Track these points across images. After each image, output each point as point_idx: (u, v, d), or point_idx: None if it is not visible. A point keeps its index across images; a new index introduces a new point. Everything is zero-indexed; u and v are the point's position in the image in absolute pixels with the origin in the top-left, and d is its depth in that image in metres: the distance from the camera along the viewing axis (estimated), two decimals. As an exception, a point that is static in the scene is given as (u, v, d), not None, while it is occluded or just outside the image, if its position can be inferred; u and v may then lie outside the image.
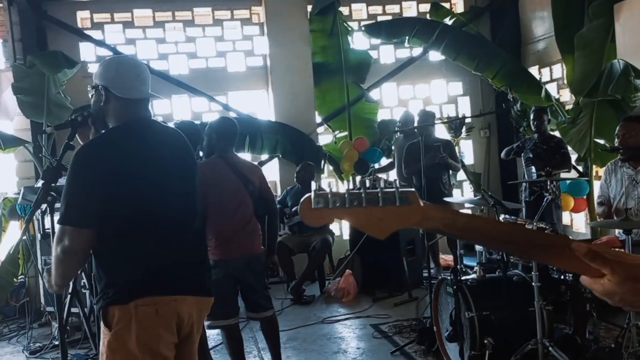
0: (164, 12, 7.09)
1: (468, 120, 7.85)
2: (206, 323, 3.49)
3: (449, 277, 3.55)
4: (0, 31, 6.51)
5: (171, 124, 4.00)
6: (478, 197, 4.14)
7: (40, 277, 5.41)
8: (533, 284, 3.17)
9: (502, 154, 6.25)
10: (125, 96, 2.11)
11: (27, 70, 5.80)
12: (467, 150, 8.15)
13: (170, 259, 2.06)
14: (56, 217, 2.09)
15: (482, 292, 3.48)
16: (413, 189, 0.95)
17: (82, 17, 6.97)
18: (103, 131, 2.18)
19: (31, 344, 4.92)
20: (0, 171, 6.62)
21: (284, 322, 5.08)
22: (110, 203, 1.95)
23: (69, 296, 4.96)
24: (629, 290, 0.84)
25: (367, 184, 0.95)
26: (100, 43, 6.89)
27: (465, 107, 8.04)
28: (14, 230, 6.13)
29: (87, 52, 6.97)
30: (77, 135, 2.32)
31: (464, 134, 7.82)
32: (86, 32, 6.90)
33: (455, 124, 7.71)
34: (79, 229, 1.93)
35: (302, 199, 0.95)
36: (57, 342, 4.86)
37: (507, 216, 3.67)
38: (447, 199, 4.62)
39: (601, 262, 0.85)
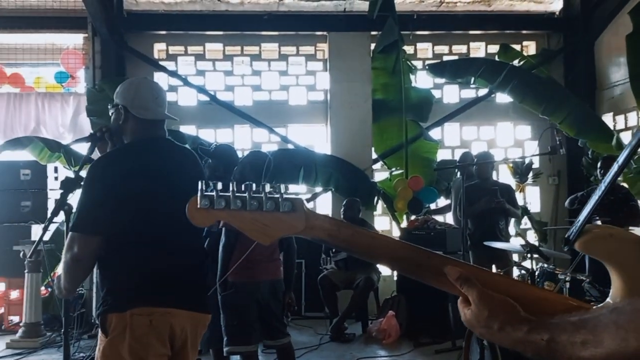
0: (234, 46, 7.42)
1: (535, 165, 7.53)
2: (226, 349, 3.49)
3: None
4: (83, 59, 7.07)
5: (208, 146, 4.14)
6: (520, 245, 3.91)
7: (94, 290, 5.66)
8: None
9: (567, 203, 5.91)
10: (142, 116, 2.22)
11: (98, 94, 6.24)
12: (533, 197, 7.78)
13: (168, 272, 2.10)
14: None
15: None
16: (300, 197, 0.91)
17: (159, 49, 7.43)
18: (116, 147, 2.29)
19: (76, 353, 5.11)
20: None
21: (318, 358, 5.00)
22: (116, 214, 2.03)
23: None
24: (482, 326, 0.76)
25: (254, 188, 0.92)
26: (172, 73, 7.29)
27: (532, 152, 7.71)
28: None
29: (161, 82, 7.37)
30: (96, 149, 2.44)
31: (530, 179, 7.50)
32: (161, 62, 7.33)
33: (521, 169, 7.42)
34: (87, 237, 2.02)
35: (191, 198, 0.94)
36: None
37: (545, 265, 3.44)
38: (487, 243, 4.39)
39: (467, 288, 0.77)
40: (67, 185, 2.40)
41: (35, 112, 6.88)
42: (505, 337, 0.74)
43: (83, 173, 2.53)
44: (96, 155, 2.44)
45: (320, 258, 6.16)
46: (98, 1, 6.38)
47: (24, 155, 6.46)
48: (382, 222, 7.46)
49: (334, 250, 6.09)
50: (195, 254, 2.29)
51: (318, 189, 7.00)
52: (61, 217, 6.67)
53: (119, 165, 2.12)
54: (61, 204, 2.43)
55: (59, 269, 6.52)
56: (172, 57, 7.43)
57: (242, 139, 7.34)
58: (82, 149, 6.60)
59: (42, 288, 6.07)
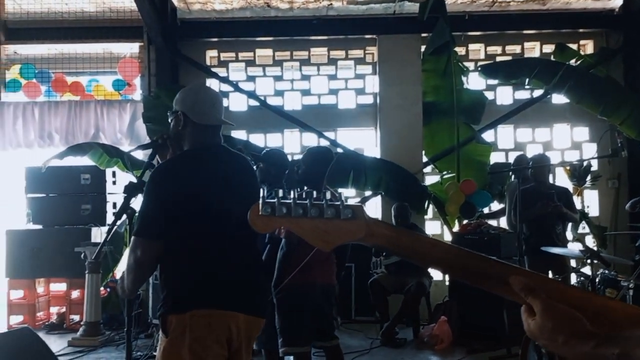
0: (283, 51, 7.50)
1: (594, 168, 7.27)
2: (282, 349, 3.55)
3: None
4: (139, 67, 7.31)
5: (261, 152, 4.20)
6: (579, 250, 3.78)
7: (150, 291, 5.83)
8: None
9: (627, 206, 5.69)
10: (200, 122, 2.28)
11: (155, 101, 6.43)
12: (591, 201, 7.51)
13: (227, 276, 2.16)
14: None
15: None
16: (360, 204, 0.92)
17: (211, 56, 7.59)
18: (179, 152, 2.37)
19: (133, 352, 5.26)
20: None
21: (369, 362, 4.98)
22: (176, 219, 2.11)
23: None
24: (547, 338, 0.73)
25: (314, 195, 0.93)
26: (224, 79, 7.43)
27: (591, 155, 7.45)
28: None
29: (213, 88, 7.55)
30: (157, 155, 2.53)
31: (588, 183, 7.24)
32: (213, 69, 7.49)
33: (578, 172, 7.17)
34: (149, 242, 2.10)
35: (253, 206, 0.95)
36: (154, 353, 5.22)
37: (606, 271, 3.31)
38: (544, 248, 4.27)
39: (532, 298, 0.75)
40: (130, 190, 2.49)
41: (94, 119, 7.16)
42: (570, 350, 0.71)
43: (142, 178, 2.62)
44: (156, 161, 2.52)
45: (370, 262, 6.13)
46: (153, 11, 6.59)
47: (84, 160, 6.73)
48: (433, 227, 7.36)
49: (384, 254, 6.05)
50: (252, 258, 2.34)
51: (367, 193, 6.97)
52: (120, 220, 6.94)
53: (178, 173, 2.19)
54: (124, 207, 2.51)
55: (120, 271, 6.76)
56: (223, 64, 7.57)
57: (292, 144, 7.40)
58: (139, 154, 6.85)
59: (102, 288, 6.29)
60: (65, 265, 6.44)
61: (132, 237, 2.15)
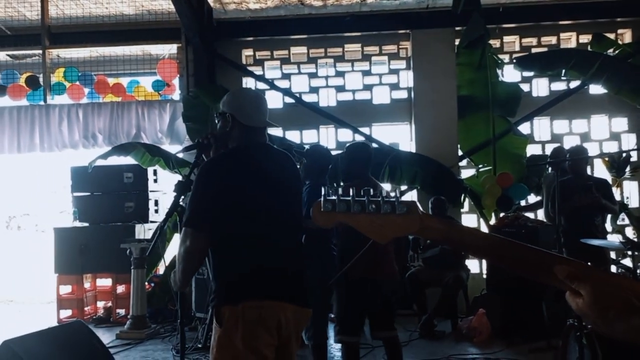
0: (317, 49, 7.59)
1: (633, 159, 7.15)
2: (337, 337, 3.68)
3: (576, 323, 3.30)
4: (178, 67, 7.51)
5: (304, 148, 4.32)
6: (619, 242, 3.77)
7: (193, 286, 6.01)
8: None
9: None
10: (247, 124, 2.39)
11: (194, 101, 6.60)
12: (632, 192, 7.39)
13: (275, 268, 2.26)
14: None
15: (612, 344, 3.16)
16: (414, 200, 1.00)
17: (246, 55, 7.73)
18: (222, 151, 2.48)
19: (179, 345, 5.45)
20: (170, 190, 7.51)
21: (409, 354, 5.03)
22: (225, 212, 2.22)
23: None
24: (598, 314, 0.80)
25: (371, 192, 1.02)
26: (260, 78, 7.57)
27: (630, 146, 7.32)
28: (177, 242, 6.91)
29: (249, 86, 7.69)
30: (202, 154, 2.65)
31: (627, 173, 7.12)
32: (249, 68, 7.63)
33: (617, 163, 7.07)
34: (198, 232, 2.21)
35: (315, 202, 1.05)
36: (200, 345, 5.40)
37: (647, 263, 3.31)
38: (583, 240, 4.25)
39: (578, 283, 0.83)
40: (180, 188, 2.60)
41: (135, 120, 7.39)
42: (621, 324, 0.78)
43: (190, 177, 2.75)
44: (202, 160, 2.64)
45: (408, 255, 6.19)
46: (191, 13, 6.76)
47: (126, 159, 6.96)
48: (470, 220, 7.36)
49: (422, 247, 6.10)
50: (297, 250, 2.44)
51: (403, 187, 7.02)
52: (161, 217, 7.12)
53: (226, 167, 2.30)
54: (175, 205, 2.63)
55: (163, 266, 6.91)
56: (259, 62, 7.71)
57: (327, 140, 7.49)
58: (180, 153, 7.03)
59: (146, 283, 6.50)
60: (111, 261, 6.67)
61: (183, 228, 2.26)
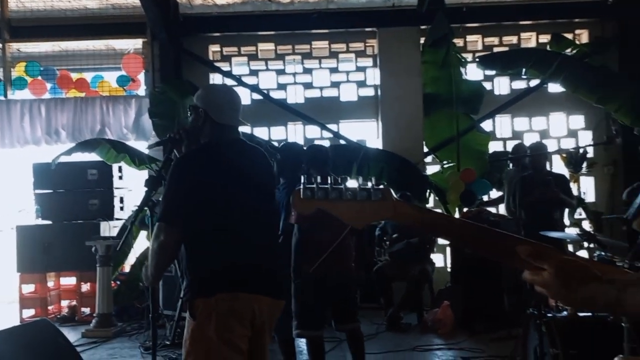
0: (285, 45, 7.63)
1: (590, 155, 7.43)
2: (295, 332, 3.71)
3: (536, 312, 3.43)
4: (143, 63, 7.43)
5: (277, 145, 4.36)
6: (577, 234, 3.95)
7: (160, 283, 5.96)
8: (623, 324, 2.98)
9: (624, 195, 5.84)
10: (220, 121, 2.41)
11: (161, 96, 6.56)
12: (588, 187, 7.68)
13: (249, 261, 2.29)
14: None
15: (570, 330, 3.31)
16: (388, 188, 1.07)
17: (214, 50, 7.71)
18: (194, 146, 2.49)
19: (147, 342, 5.41)
20: (136, 186, 7.42)
21: (376, 346, 5.13)
22: (198, 207, 2.24)
23: (180, 300, 5.47)
24: (562, 284, 0.88)
25: (349, 180, 1.08)
26: (227, 74, 7.56)
27: (587, 142, 7.60)
28: (143, 239, 6.85)
29: (216, 82, 7.66)
30: (174, 149, 2.66)
31: (584, 169, 7.40)
32: (216, 64, 7.62)
33: (574, 159, 7.33)
34: (172, 227, 2.23)
35: (295, 190, 1.10)
36: (168, 342, 5.38)
37: (602, 253, 3.48)
38: (543, 233, 4.42)
39: (541, 259, 0.91)
40: (151, 184, 2.61)
41: (100, 115, 7.28)
42: (583, 290, 0.86)
43: (161, 172, 2.76)
44: (174, 155, 2.65)
45: (374, 250, 6.30)
46: (156, 7, 6.70)
47: (90, 156, 6.85)
48: (434, 215, 7.51)
49: (388, 242, 6.22)
50: (271, 242, 2.48)
51: (370, 184, 7.11)
52: (127, 214, 7.05)
53: (200, 163, 2.32)
54: (146, 200, 2.64)
55: (128, 264, 6.83)
56: (226, 58, 7.70)
57: (295, 136, 7.54)
58: (144, 149, 6.96)
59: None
60: (75, 259, 6.56)
61: (156, 223, 2.27)
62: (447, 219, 1.03)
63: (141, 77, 7.56)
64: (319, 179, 1.08)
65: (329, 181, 1.08)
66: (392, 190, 1.06)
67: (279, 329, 3.86)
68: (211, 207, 2.25)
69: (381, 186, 1.09)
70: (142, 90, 7.56)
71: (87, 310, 6.76)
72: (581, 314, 3.48)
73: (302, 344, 4.97)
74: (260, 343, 2.38)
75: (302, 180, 1.09)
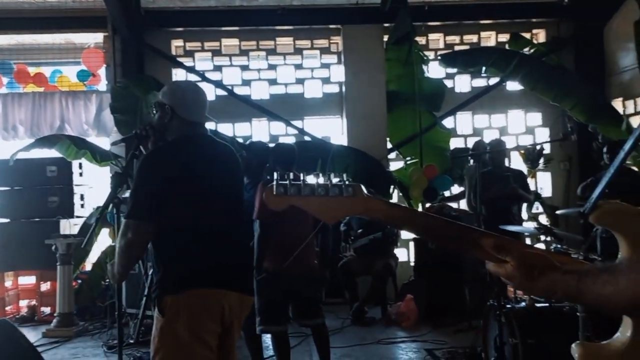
0: (249, 41, 7.60)
1: (546, 151, 7.67)
2: (259, 328, 3.74)
3: (495, 303, 3.55)
4: (104, 57, 7.29)
5: (242, 141, 4.36)
6: (534, 227, 4.09)
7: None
8: (578, 314, 3.12)
9: (578, 191, 6.04)
10: (187, 118, 2.41)
11: (123, 92, 6.45)
12: (545, 182, 7.93)
13: (219, 257, 2.30)
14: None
15: (528, 320, 3.44)
16: (359, 184, 1.11)
17: (176, 45, 7.62)
18: (160, 142, 2.48)
19: (110, 341, 5.35)
20: (97, 183, 7.29)
21: (341, 340, 5.21)
22: (167, 203, 2.23)
23: (144, 298, 5.42)
24: (524, 275, 0.94)
25: (320, 177, 1.12)
26: (190, 69, 7.49)
27: (544, 139, 7.85)
28: (105, 237, 6.74)
29: (179, 77, 7.59)
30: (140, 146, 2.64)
31: (541, 165, 7.64)
32: (179, 59, 7.53)
33: (532, 155, 7.56)
34: (140, 224, 2.21)
35: (267, 187, 1.12)
36: (132, 341, 5.33)
37: (559, 246, 3.61)
38: (501, 227, 4.56)
39: (504, 252, 0.96)
40: (117, 180, 2.59)
41: (59, 111, 7.12)
42: (544, 280, 0.92)
43: (127, 168, 2.74)
44: (139, 152, 2.63)
45: (339, 246, 6.36)
46: (117, 0, 6.57)
47: (49, 152, 6.69)
48: (398, 210, 7.62)
49: (352, 237, 6.29)
50: (240, 238, 2.50)
51: (335, 180, 7.17)
52: (88, 212, 6.91)
53: (168, 159, 2.31)
54: (112, 197, 2.62)
55: (90, 262, 6.71)
56: (189, 53, 7.62)
57: (260, 133, 7.53)
58: (107, 145, 6.83)
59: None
60: (34, 258, 6.41)
61: (124, 221, 2.26)
62: (415, 214, 1.08)
63: (102, 72, 7.42)
64: (291, 175, 1.11)
65: (302, 177, 1.11)
66: (362, 186, 1.10)
67: (245, 325, 3.89)
68: (180, 204, 2.24)
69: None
70: (102, 86, 7.41)
71: (47, 309, 6.63)
72: (538, 305, 3.63)
73: (268, 339, 5.01)
74: (230, 339, 2.40)
75: (275, 177, 1.12)
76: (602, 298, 0.83)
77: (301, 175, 1.11)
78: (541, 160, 7.56)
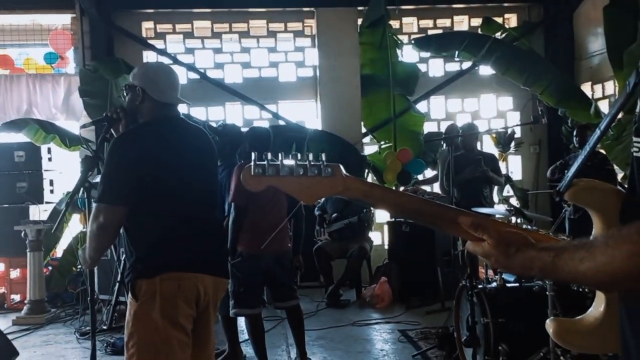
0: (222, 23, 7.49)
1: (517, 135, 7.79)
2: (233, 311, 3.76)
3: (467, 284, 3.61)
4: (72, 39, 7.10)
5: (215, 125, 4.33)
6: (506, 209, 4.17)
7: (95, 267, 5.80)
8: (547, 293, 3.20)
9: (548, 173, 6.17)
10: (159, 99, 2.37)
11: (92, 75, 6.31)
12: (515, 165, 8.07)
13: (193, 240, 2.28)
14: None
15: (499, 300, 3.51)
16: (338, 164, 1.11)
17: (147, 27, 7.47)
18: (132, 125, 2.44)
19: (82, 327, 5.30)
20: (67, 168, 7.14)
21: (317, 323, 5.26)
22: (139, 186, 2.20)
23: (117, 284, 5.38)
24: (501, 253, 0.96)
25: (299, 157, 1.11)
26: (161, 52, 7.35)
27: (515, 123, 7.96)
28: (75, 223, 6.63)
29: (150, 60, 7.44)
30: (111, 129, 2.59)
31: (512, 149, 7.76)
32: (150, 41, 7.38)
33: (503, 139, 7.67)
34: (112, 207, 2.18)
35: (245, 167, 1.12)
36: (105, 327, 5.29)
37: (529, 227, 3.69)
38: (473, 209, 4.64)
39: (481, 230, 0.98)
40: (87, 164, 2.54)
41: (26, 94, 6.92)
42: (520, 256, 0.94)
43: (98, 152, 2.69)
44: (110, 135, 2.59)
45: (314, 230, 6.38)
46: (85, -20, 6.41)
47: (17, 137, 6.52)
48: (372, 194, 7.67)
49: (327, 222, 6.32)
50: (215, 221, 2.48)
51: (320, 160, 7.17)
52: (58, 197, 6.79)
53: (140, 141, 2.27)
54: (82, 181, 2.57)
55: (61, 249, 6.61)
56: (160, 36, 7.48)
57: (234, 117, 7.46)
58: (76, 129, 6.69)
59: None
60: (3, 245, 6.31)
61: (95, 205, 2.22)
62: (394, 193, 1.09)
63: (70, 54, 7.23)
64: (269, 155, 1.11)
65: (280, 157, 1.10)
66: (341, 166, 1.10)
67: (220, 308, 3.90)
68: (152, 187, 2.22)
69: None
70: (71, 68, 7.23)
71: (17, 297, 6.52)
72: (509, 285, 3.71)
73: (243, 322, 5.03)
74: (205, 323, 2.39)
75: (253, 157, 1.11)
76: (578, 274, 0.85)
77: (278, 156, 1.10)
78: (512, 144, 7.68)
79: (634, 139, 1.04)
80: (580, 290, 3.40)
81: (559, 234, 3.78)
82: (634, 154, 1.03)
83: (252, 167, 1.10)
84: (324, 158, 1.10)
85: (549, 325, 1.18)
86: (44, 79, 6.99)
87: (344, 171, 1.11)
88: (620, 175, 5.76)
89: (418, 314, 5.46)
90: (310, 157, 1.11)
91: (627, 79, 4.43)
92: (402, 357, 4.23)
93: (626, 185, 1.05)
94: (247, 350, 4.23)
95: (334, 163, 1.11)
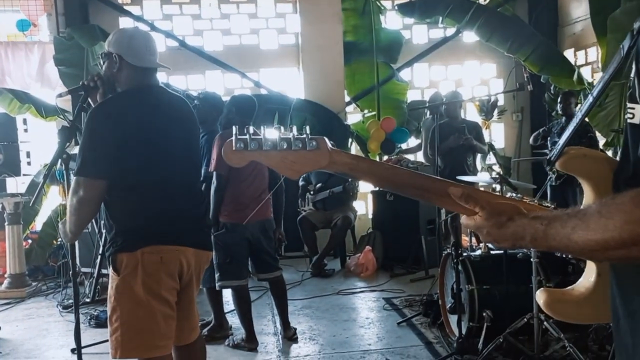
0: (201, -12, 7.27)
1: (500, 103, 7.77)
2: (218, 283, 3.74)
3: (452, 252, 3.62)
4: (45, 5, 6.84)
5: (195, 94, 4.24)
6: (490, 177, 4.17)
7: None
8: (531, 260, 3.22)
9: (531, 140, 6.19)
10: (137, 65, 2.28)
11: (67, 43, 6.11)
12: (498, 133, 8.08)
13: (174, 212, 2.24)
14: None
15: (483, 267, 3.54)
16: (323, 137, 1.06)
17: (123, -7, 7.23)
18: (110, 94, 2.36)
19: (65, 300, 5.25)
20: (44, 139, 6.97)
21: (302, 292, 5.28)
22: (119, 158, 2.13)
23: (99, 257, 5.31)
24: (493, 224, 0.93)
25: (282, 129, 1.06)
26: (138, 18, 7.14)
27: (498, 90, 7.93)
28: (54, 195, 6.51)
29: (127, 26, 7.22)
30: (88, 98, 2.50)
31: (495, 117, 7.75)
32: (126, 7, 7.15)
33: (486, 107, 7.65)
34: (92, 180, 2.12)
35: (226, 142, 1.06)
36: (88, 300, 5.25)
37: (513, 195, 3.69)
38: (458, 177, 4.64)
39: (472, 202, 0.95)
40: (65, 135, 2.46)
41: (-1, 62, 6.69)
42: (512, 226, 0.91)
43: (75, 122, 2.60)
44: (87, 104, 2.50)
45: (297, 201, 6.35)
46: (57, -57, 6.15)
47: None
48: (356, 163, 7.64)
49: (312, 192, 6.28)
50: (196, 193, 2.44)
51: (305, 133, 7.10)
52: (36, 169, 6.65)
53: (119, 111, 2.19)
54: (60, 152, 2.49)
55: (40, 222, 6.49)
56: (137, 1, 7.25)
57: (214, 85, 7.32)
58: (52, 99, 6.50)
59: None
60: (-20, 218, 6.18)
61: (74, 178, 2.15)
62: (381, 166, 1.05)
63: (43, 21, 6.97)
64: (251, 129, 1.05)
65: (263, 131, 1.05)
66: (326, 139, 1.06)
67: (205, 280, 3.88)
68: (132, 158, 2.16)
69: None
70: (45, 36, 6.99)
71: (-4, 271, 6.41)
72: (493, 252, 3.73)
73: (229, 294, 5.03)
74: (188, 295, 2.38)
75: (234, 131, 1.06)
76: (570, 243, 0.82)
77: (261, 129, 1.04)
78: (495, 112, 7.66)
79: (629, 104, 1.00)
80: (564, 256, 3.43)
81: (543, 201, 3.80)
82: (628, 120, 0.99)
83: (234, 141, 1.05)
84: (308, 131, 1.05)
85: (539, 296, 1.16)
86: (16, 47, 6.74)
87: (329, 144, 1.06)
88: (601, 142, 5.78)
89: (402, 282, 5.50)
90: (294, 129, 1.05)
91: (610, 44, 4.40)
92: (387, 324, 4.26)
93: (618, 153, 1.03)
94: (233, 320, 4.23)
95: (318, 136, 1.06)
